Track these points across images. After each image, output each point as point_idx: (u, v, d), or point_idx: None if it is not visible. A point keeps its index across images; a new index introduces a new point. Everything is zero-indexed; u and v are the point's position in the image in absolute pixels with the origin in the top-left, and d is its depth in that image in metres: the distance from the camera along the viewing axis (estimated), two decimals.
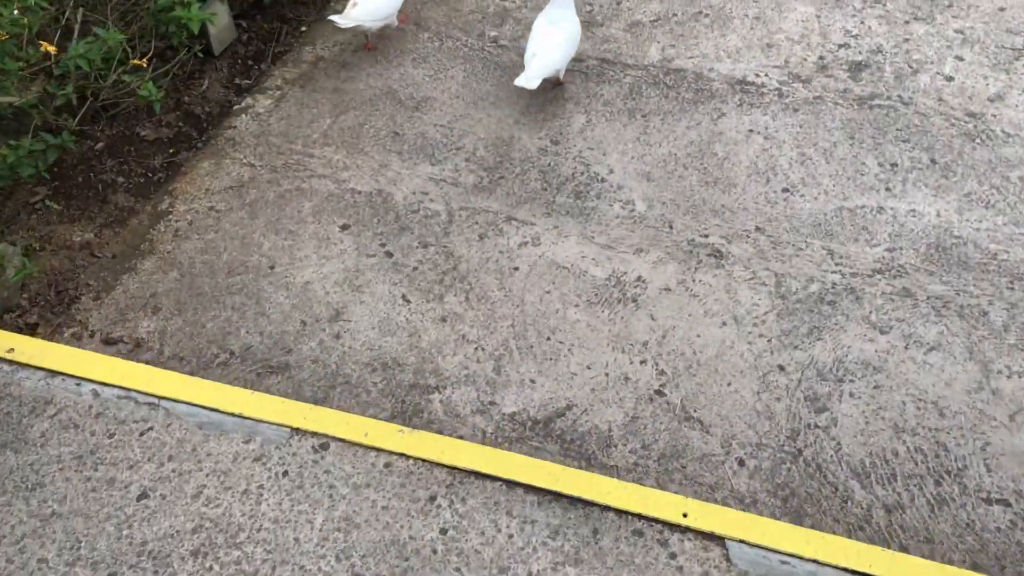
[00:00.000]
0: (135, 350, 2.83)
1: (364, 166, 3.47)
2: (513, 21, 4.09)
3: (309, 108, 3.70)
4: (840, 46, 3.90)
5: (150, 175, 3.46)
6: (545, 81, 3.58)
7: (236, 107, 3.73)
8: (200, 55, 3.81)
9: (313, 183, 3.40)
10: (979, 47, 3.87)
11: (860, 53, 3.87)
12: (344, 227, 3.25)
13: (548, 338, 2.85)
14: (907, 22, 4.00)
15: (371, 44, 3.98)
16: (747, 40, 3.95)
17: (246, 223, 3.26)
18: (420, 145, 3.54)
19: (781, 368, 2.76)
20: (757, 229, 3.20)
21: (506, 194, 3.36)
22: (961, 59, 3.82)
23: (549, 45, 3.52)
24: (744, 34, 3.98)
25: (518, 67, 3.84)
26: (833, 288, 2.99)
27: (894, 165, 3.41)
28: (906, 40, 3.92)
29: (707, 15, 4.09)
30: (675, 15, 4.10)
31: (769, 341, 2.83)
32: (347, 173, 3.44)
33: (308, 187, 3.39)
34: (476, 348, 2.83)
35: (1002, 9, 4.04)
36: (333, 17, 3.71)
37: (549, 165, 3.46)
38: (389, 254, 3.13)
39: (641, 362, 2.78)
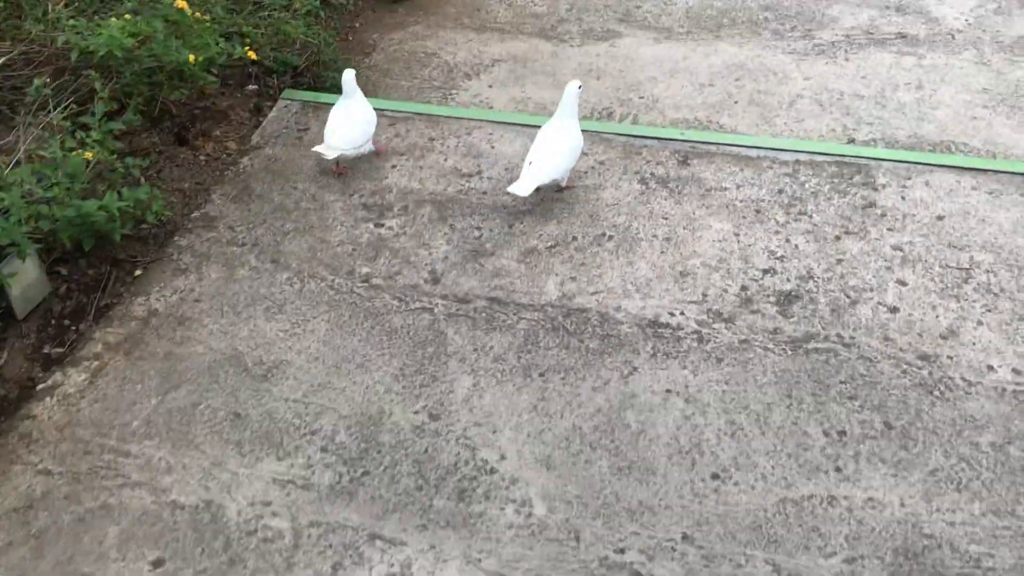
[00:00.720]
0: None
1: (192, 466, 2.72)
2: (389, 253, 3.46)
3: (132, 384, 2.97)
4: (765, 272, 3.34)
5: None
6: (538, 190, 3.51)
7: (40, 387, 2.97)
8: None
9: (124, 496, 2.64)
10: (922, 267, 3.34)
11: (788, 280, 3.31)
12: (157, 563, 2.47)
13: None
14: (838, 238, 3.48)
15: (342, 168, 3.85)
16: (658, 268, 3.37)
17: (27, 568, 2.47)
18: (266, 431, 2.82)
19: None
20: (684, 538, 2.52)
21: (371, 498, 2.63)
22: (904, 283, 3.28)
23: (546, 153, 3.48)
24: (654, 260, 3.41)
25: (393, 312, 3.19)
26: None
27: (842, 433, 2.78)
28: (839, 261, 3.38)
29: (611, 237, 3.52)
30: (575, 238, 3.52)
31: None
32: (170, 478, 2.69)
33: (117, 502, 2.62)
34: None
35: (940, 218, 3.55)
36: (317, 148, 3.69)
37: (426, 451, 2.76)
38: None
39: None
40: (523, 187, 3.40)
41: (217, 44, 3.50)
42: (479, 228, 3.56)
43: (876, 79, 4.58)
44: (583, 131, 3.73)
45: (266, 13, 4.40)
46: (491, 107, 4.46)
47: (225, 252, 3.47)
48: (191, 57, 3.29)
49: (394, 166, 3.88)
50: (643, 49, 4.90)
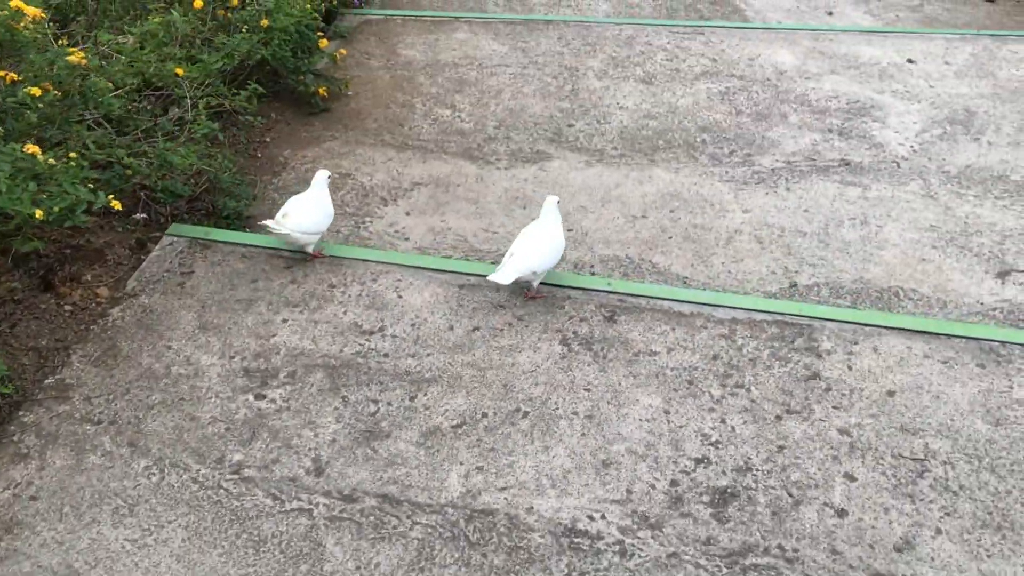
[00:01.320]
0: None
1: None
2: (268, 434, 2.96)
3: None
4: (698, 462, 2.90)
5: None
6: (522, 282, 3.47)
7: None
8: None
9: None
10: (872, 457, 2.93)
11: (724, 472, 2.87)
12: None
13: None
14: (779, 418, 3.06)
15: (318, 253, 3.76)
16: (577, 456, 2.91)
17: None
18: None
19: None
20: None
21: None
22: (852, 478, 2.85)
23: (529, 247, 3.43)
24: (573, 445, 2.95)
25: (264, 514, 2.68)
26: None
27: None
28: (780, 448, 2.96)
29: (526, 414, 3.06)
30: (485, 415, 3.05)
31: None
32: None
33: None
34: None
35: (891, 394, 3.15)
36: (266, 222, 3.58)
37: None
38: None
39: None
40: (503, 276, 3.36)
41: (77, 190, 3.00)
42: (376, 401, 3.07)
43: (819, 213, 4.24)
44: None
45: (155, 139, 3.93)
46: (407, 239, 4.02)
47: (76, 432, 2.93)
48: (38, 212, 2.80)
49: (285, 320, 3.40)
50: (573, 174, 4.52)
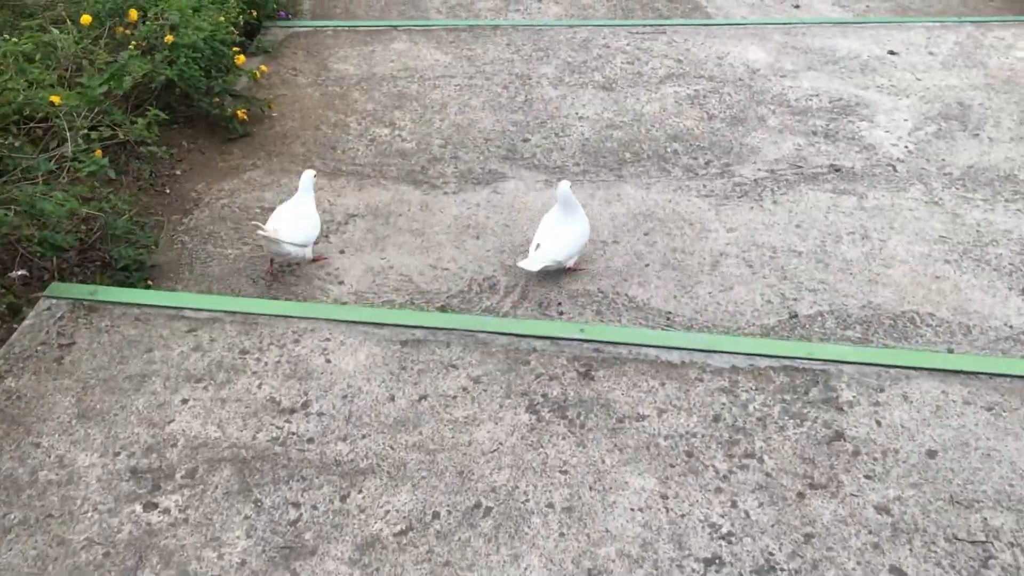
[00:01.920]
0: None
1: None
2: (159, 559, 2.22)
3: None
4: (708, 563, 2.26)
5: None
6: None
7: None
8: None
9: None
10: (921, 542, 2.31)
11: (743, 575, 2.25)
12: None
13: None
14: (801, 496, 2.43)
15: (321, 256, 3.50)
16: (556, 565, 2.24)
17: None
18: None
19: None
20: None
21: None
22: (902, 573, 2.25)
23: (553, 237, 3.33)
24: (550, 551, 2.29)
25: None
26: None
27: None
28: (808, 538, 2.33)
29: (488, 511, 2.39)
30: (436, 514, 2.38)
31: None
32: None
33: None
34: None
35: (932, 454, 2.54)
36: (261, 231, 3.19)
37: None
38: None
39: None
40: (532, 264, 3.28)
41: None
42: (297, 504, 2.40)
43: (813, 229, 3.65)
44: (441, 326, 2.70)
45: (36, 180, 3.22)
46: (341, 282, 3.34)
47: None
48: None
49: (185, 400, 2.70)
50: (532, 196, 3.88)
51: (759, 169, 4.04)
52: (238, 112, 4.26)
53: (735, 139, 4.26)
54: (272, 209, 3.77)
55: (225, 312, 3.02)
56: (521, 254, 3.50)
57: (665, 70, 4.85)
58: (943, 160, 4.09)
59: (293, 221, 3.30)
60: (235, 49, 4.35)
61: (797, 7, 5.91)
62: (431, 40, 5.23)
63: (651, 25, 5.37)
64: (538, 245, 3.35)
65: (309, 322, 3.00)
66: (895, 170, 4.03)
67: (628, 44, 5.16)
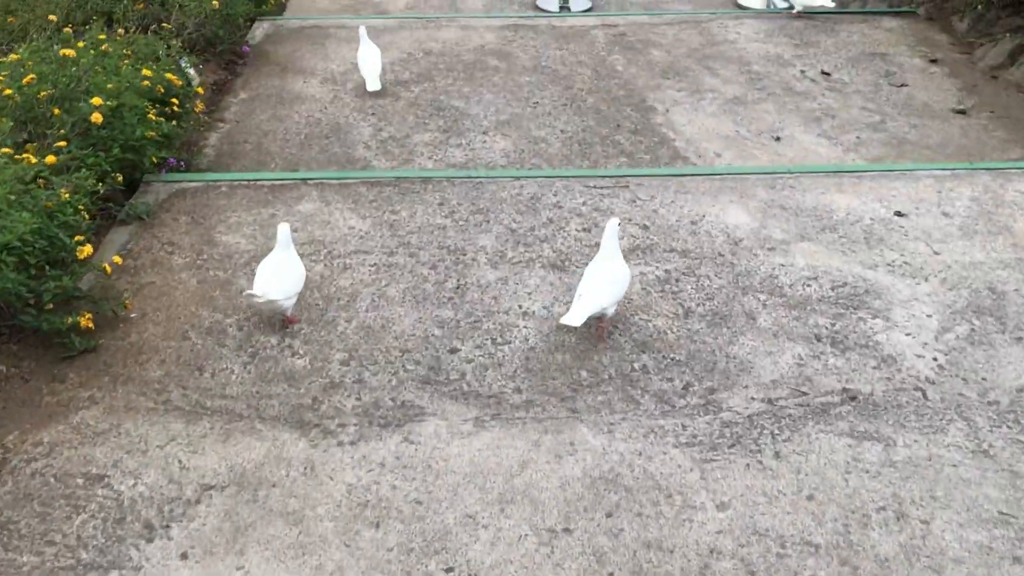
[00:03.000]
0: None
1: None
2: None
3: None
4: None
5: None
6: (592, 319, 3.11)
7: None
8: None
9: None
10: None
11: None
12: None
13: None
14: None
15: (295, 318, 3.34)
16: None
17: None
18: None
19: None
20: None
21: None
22: None
23: (596, 285, 3.17)
24: None
25: None
26: None
27: None
28: None
29: None
30: None
31: None
32: None
33: None
34: None
35: None
36: (247, 292, 3.15)
37: None
38: None
39: None
40: (575, 318, 3.10)
41: None
42: None
43: (831, 503, 2.62)
44: None
45: None
46: None
47: None
48: None
49: None
50: (456, 447, 2.82)
51: (753, 398, 3.02)
52: (82, 319, 3.18)
53: (719, 348, 3.25)
54: (99, 480, 2.69)
55: None
56: (436, 557, 2.44)
57: (628, 240, 3.85)
58: (984, 380, 3.10)
59: (278, 276, 3.23)
60: (78, 239, 3.27)
61: (778, 139, 5.00)
62: (348, 198, 4.20)
63: (611, 176, 4.39)
64: (580, 295, 3.19)
65: None
66: (925, 396, 3.04)
67: (584, 202, 4.18)
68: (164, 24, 5.42)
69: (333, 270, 3.67)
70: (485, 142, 4.92)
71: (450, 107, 5.33)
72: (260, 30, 6.58)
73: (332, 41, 6.35)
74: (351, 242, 3.85)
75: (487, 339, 3.29)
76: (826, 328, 3.34)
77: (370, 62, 5.45)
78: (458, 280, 3.61)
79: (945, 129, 5.11)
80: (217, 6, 5.75)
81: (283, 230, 3.28)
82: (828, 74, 5.90)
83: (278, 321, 3.33)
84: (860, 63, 6.02)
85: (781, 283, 3.60)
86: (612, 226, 3.26)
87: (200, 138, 4.94)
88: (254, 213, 4.05)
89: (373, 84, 5.43)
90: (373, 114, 5.23)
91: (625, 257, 3.37)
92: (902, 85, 5.73)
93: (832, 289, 3.56)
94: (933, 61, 6.08)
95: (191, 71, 5.38)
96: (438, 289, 3.56)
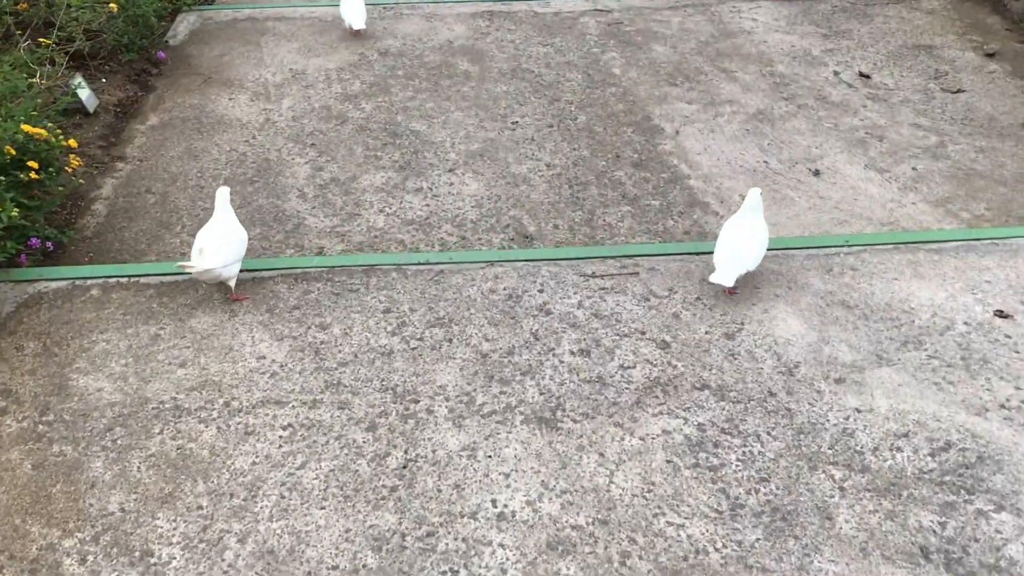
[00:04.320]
0: None
1: None
2: None
3: None
4: None
5: None
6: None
7: None
8: None
9: None
10: None
11: None
12: None
13: None
14: None
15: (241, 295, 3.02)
16: None
17: None
18: None
19: None
20: None
21: None
22: None
23: (742, 246, 2.96)
24: None
25: None
26: None
27: None
28: None
29: None
30: None
31: None
32: None
33: None
34: None
35: None
36: (181, 263, 2.86)
37: None
38: None
39: None
40: (726, 277, 2.90)
41: None
42: None
43: None
44: None
45: None
46: None
47: None
48: None
49: None
50: None
51: None
52: None
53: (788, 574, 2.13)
54: None
55: None
56: None
57: (643, 373, 2.66)
58: None
59: (216, 242, 2.91)
60: None
61: (817, 173, 3.79)
62: (261, 304, 2.97)
63: (615, 257, 3.17)
64: (728, 257, 2.95)
65: None
66: None
67: (580, 303, 2.97)
68: (43, 40, 4.09)
69: (228, 437, 2.48)
70: (452, 184, 3.68)
71: (409, 132, 4.07)
72: (184, 25, 5.21)
73: (269, 39, 5.01)
74: (259, 384, 2.65)
75: (446, 570, 2.15)
76: (933, 532, 2.21)
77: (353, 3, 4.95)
78: (406, 452, 2.44)
79: (1020, 155, 3.91)
80: (115, 9, 4.40)
81: (222, 193, 3.06)
82: (867, 76, 4.64)
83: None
84: (903, 60, 4.76)
85: (861, 446, 2.44)
86: (755, 194, 3.05)
87: (91, 188, 3.68)
88: (130, 335, 2.81)
89: (359, 23, 4.90)
90: (312, 144, 3.97)
91: (638, 405, 2.24)
92: (958, 91, 4.48)
93: (932, 455, 2.42)
94: (990, 56, 4.81)
95: (84, 93, 4.09)
96: (376, 470, 2.38)
